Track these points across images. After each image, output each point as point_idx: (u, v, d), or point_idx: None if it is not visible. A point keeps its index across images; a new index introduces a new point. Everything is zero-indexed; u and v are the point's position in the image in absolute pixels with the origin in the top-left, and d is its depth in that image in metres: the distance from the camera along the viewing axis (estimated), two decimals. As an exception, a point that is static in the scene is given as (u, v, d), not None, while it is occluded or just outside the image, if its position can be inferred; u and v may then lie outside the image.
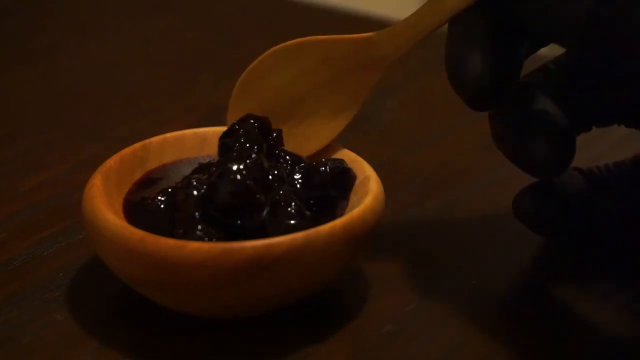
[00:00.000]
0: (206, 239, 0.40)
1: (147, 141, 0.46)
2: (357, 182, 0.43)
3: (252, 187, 0.40)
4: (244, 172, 0.41)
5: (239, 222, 0.40)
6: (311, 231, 0.39)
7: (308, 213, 0.41)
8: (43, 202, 0.51)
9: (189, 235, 0.40)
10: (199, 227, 0.40)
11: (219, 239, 0.40)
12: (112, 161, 0.44)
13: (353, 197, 0.43)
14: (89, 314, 0.43)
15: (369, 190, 0.42)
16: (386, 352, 0.41)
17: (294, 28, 0.72)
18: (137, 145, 0.45)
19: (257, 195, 0.41)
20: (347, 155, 0.45)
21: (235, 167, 0.41)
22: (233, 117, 0.45)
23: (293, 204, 0.41)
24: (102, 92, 0.63)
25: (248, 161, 0.41)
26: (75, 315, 0.42)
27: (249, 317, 0.42)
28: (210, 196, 0.41)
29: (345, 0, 0.79)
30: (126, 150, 0.45)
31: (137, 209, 0.43)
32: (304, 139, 0.45)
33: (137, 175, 0.44)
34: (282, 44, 0.44)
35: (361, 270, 0.45)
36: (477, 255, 0.47)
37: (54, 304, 0.43)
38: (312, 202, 0.43)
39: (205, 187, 0.41)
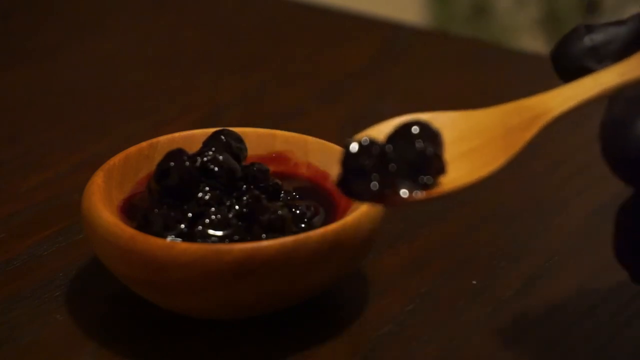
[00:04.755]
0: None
1: (154, 140, 0.45)
2: None
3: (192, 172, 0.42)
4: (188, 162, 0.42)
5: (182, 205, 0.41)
6: (301, 236, 0.39)
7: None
8: (43, 202, 0.51)
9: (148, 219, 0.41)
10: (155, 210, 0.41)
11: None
12: (117, 159, 0.44)
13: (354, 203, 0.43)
14: (89, 314, 0.43)
15: None
16: (386, 352, 0.41)
17: (294, 29, 0.72)
18: (144, 143, 0.45)
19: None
20: None
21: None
22: None
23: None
24: (103, 92, 0.63)
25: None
26: (75, 315, 0.43)
27: (248, 317, 0.42)
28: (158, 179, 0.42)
29: (346, 1, 0.79)
30: (132, 149, 0.45)
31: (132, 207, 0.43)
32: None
33: (142, 174, 0.44)
34: (418, 116, 0.38)
35: (361, 270, 0.45)
36: (477, 255, 0.47)
37: (54, 304, 0.43)
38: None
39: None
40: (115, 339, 0.41)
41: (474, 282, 0.44)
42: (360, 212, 0.41)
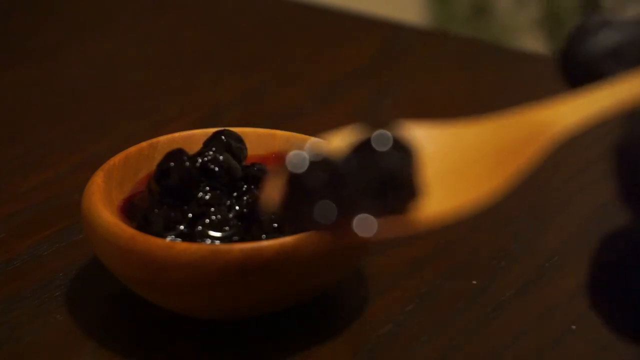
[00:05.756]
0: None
1: (154, 140, 0.45)
2: None
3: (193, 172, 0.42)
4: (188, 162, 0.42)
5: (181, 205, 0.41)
6: (301, 236, 0.39)
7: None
8: (43, 202, 0.51)
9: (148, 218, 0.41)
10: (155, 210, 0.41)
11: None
12: (117, 159, 0.44)
13: None
14: (89, 314, 0.43)
15: None
16: (386, 352, 0.41)
17: (294, 29, 0.72)
18: (144, 143, 0.45)
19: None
20: None
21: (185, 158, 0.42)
22: None
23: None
24: (103, 92, 0.63)
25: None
26: (75, 315, 0.43)
27: (248, 317, 0.42)
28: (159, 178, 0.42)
29: (346, 1, 0.79)
30: (132, 149, 0.45)
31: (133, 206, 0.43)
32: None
33: (142, 174, 0.44)
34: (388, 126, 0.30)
35: (361, 270, 0.45)
36: (477, 256, 0.47)
37: (54, 304, 0.43)
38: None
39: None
40: (115, 339, 0.41)
41: (474, 282, 0.44)
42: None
